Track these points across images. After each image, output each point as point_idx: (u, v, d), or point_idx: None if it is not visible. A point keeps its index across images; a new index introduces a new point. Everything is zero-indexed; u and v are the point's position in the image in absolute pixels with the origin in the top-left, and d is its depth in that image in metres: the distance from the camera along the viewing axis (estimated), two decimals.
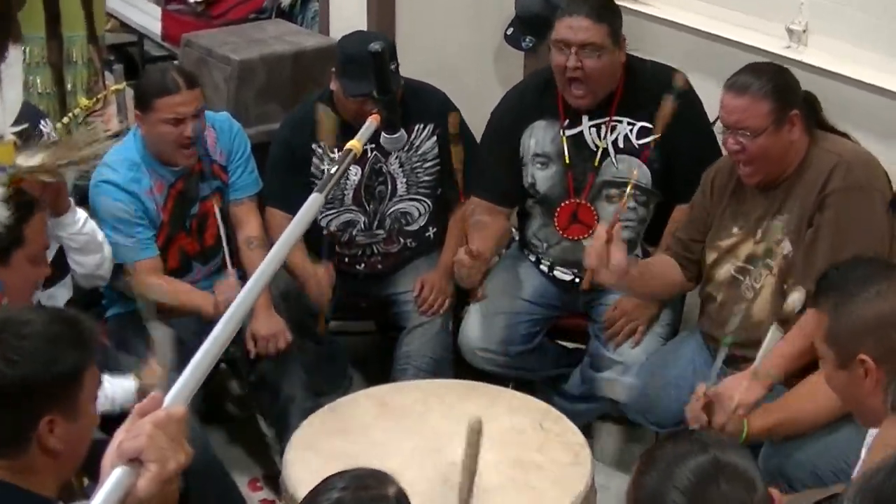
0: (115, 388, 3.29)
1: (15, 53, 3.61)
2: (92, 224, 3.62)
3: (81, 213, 3.57)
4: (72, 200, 3.52)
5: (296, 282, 4.07)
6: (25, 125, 3.44)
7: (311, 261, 4.08)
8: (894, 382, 2.31)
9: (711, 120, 3.65)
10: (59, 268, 3.64)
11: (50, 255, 3.42)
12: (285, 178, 4.14)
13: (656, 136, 3.80)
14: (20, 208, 3.05)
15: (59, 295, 3.78)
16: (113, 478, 1.58)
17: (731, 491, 1.95)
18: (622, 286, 3.66)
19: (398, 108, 2.65)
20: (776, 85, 3.34)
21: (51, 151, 3.21)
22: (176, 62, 5.16)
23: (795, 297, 3.21)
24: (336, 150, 4.08)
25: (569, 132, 3.97)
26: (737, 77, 3.38)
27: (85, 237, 3.57)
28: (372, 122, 2.55)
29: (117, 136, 4.29)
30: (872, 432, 2.61)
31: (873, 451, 2.50)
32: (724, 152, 3.55)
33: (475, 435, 2.79)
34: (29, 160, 3.15)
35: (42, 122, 3.79)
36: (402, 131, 2.71)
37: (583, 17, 3.77)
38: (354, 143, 2.37)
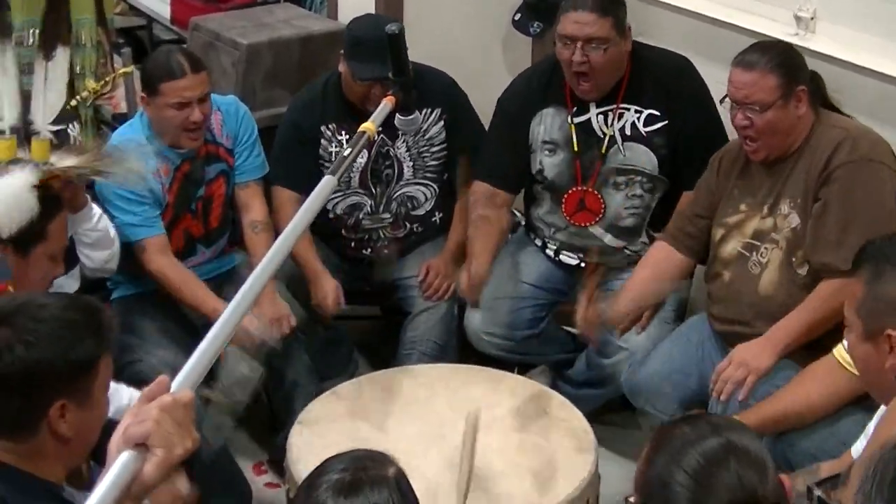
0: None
1: (62, 53, 3.64)
2: (106, 220, 3.63)
3: (97, 210, 3.59)
4: (88, 197, 3.54)
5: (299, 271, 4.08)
6: (63, 126, 3.46)
7: (318, 251, 4.11)
8: None
9: (718, 101, 3.64)
10: (68, 259, 3.66)
11: None
12: (293, 158, 4.15)
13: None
14: (47, 204, 3.08)
15: (68, 286, 3.79)
16: (119, 463, 1.58)
17: (743, 475, 1.95)
18: (634, 308, 3.80)
19: (413, 89, 2.65)
20: (783, 60, 3.38)
21: (84, 157, 3.25)
22: (184, 45, 5.15)
23: None
24: (342, 131, 4.08)
25: (577, 119, 3.97)
26: (744, 54, 3.42)
27: (99, 233, 3.60)
28: (387, 104, 2.56)
29: (124, 117, 4.31)
30: (880, 412, 2.61)
31: (887, 424, 2.49)
32: (731, 137, 3.56)
33: (472, 427, 2.80)
34: (62, 160, 3.21)
35: (71, 124, 3.82)
36: (417, 113, 2.73)
37: (587, 11, 3.76)
38: (368, 126, 2.37)
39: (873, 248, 2.68)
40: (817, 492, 2.47)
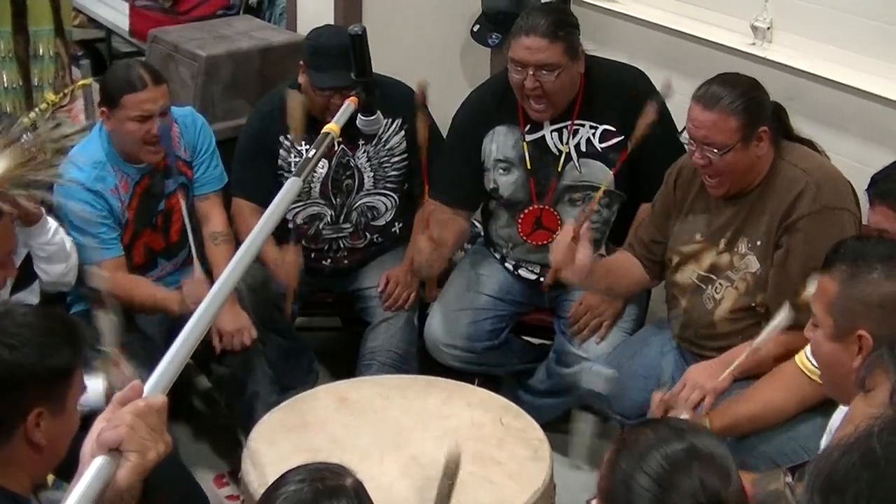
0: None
1: None
2: (62, 233, 3.61)
3: (52, 223, 3.56)
4: (43, 210, 3.50)
5: (263, 272, 4.06)
6: None
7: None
8: (866, 361, 2.29)
9: (684, 123, 3.61)
10: (27, 274, 3.63)
11: (18, 260, 3.41)
12: (253, 168, 4.14)
13: (633, 142, 3.71)
14: None
15: (28, 300, 3.76)
16: (93, 467, 1.59)
17: (705, 480, 1.94)
18: (586, 284, 3.67)
19: (375, 90, 2.64)
20: (746, 101, 3.28)
21: (13, 155, 3.19)
22: (143, 58, 5.15)
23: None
24: (304, 142, 4.08)
25: (529, 137, 3.96)
26: (707, 87, 3.32)
27: (54, 247, 3.57)
28: (349, 105, 2.56)
29: (83, 130, 4.29)
30: (837, 416, 2.62)
31: (841, 429, 2.50)
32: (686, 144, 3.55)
33: (453, 467, 2.76)
34: None
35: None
36: (379, 114, 2.72)
37: (538, 36, 3.72)
38: (332, 126, 2.38)
39: (848, 247, 2.68)
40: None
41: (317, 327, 4.82)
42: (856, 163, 3.51)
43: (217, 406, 4.38)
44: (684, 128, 3.41)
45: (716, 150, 3.27)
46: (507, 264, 4.16)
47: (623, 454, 2.04)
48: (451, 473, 2.71)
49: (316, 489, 2.14)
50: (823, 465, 1.40)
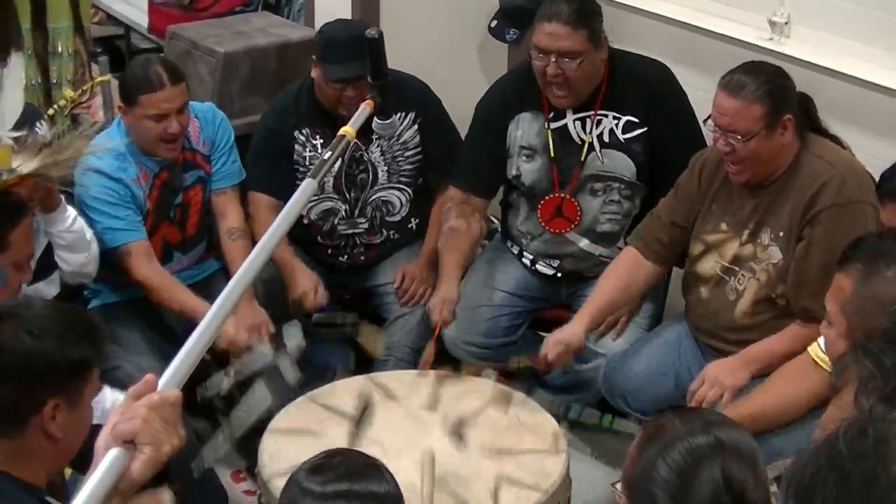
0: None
1: (16, 60, 3.62)
2: (81, 222, 3.61)
3: (71, 211, 3.57)
4: (62, 197, 3.52)
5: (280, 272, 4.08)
6: (24, 131, 3.43)
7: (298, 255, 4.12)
8: (837, 364, 2.26)
9: (702, 118, 3.61)
10: (47, 264, 3.64)
11: (38, 251, 3.42)
12: (269, 164, 4.15)
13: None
14: (8, 212, 3.05)
15: (47, 292, 3.79)
16: (107, 460, 1.60)
17: (729, 473, 1.95)
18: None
19: (391, 93, 2.65)
20: (771, 88, 3.29)
21: (45, 154, 3.22)
22: (161, 54, 5.15)
23: None
24: (317, 135, 4.08)
25: (553, 125, 3.97)
26: (732, 75, 3.33)
27: (73, 235, 3.58)
28: (366, 108, 2.57)
29: (102, 128, 4.31)
30: None
31: (815, 434, 2.48)
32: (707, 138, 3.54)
33: (429, 466, 2.80)
34: (26, 164, 3.16)
35: (38, 123, 3.79)
36: (395, 117, 2.73)
37: (561, 23, 3.74)
38: (348, 129, 2.39)
39: (866, 244, 2.66)
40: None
41: (334, 323, 4.81)
42: (875, 158, 3.49)
43: (235, 402, 4.39)
44: (707, 117, 3.40)
45: (739, 137, 3.28)
46: (524, 259, 4.16)
47: (649, 441, 2.05)
48: (429, 473, 2.76)
49: (349, 461, 2.27)
50: (795, 470, 1.41)
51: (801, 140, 3.38)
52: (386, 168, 4.18)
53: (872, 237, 2.74)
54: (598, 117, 3.92)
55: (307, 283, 4.04)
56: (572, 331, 3.64)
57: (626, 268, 3.75)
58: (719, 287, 3.53)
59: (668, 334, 3.77)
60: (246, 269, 1.94)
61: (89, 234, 3.65)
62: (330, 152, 2.33)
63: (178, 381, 1.70)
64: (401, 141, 4.17)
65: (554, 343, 3.63)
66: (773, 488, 2.15)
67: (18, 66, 3.62)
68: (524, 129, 4.02)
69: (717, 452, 1.97)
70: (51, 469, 2.36)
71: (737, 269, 3.48)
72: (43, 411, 2.24)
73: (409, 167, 4.21)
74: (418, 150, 4.19)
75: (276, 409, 3.27)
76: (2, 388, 2.24)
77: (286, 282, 4.07)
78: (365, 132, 3.87)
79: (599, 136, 3.93)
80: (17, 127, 3.43)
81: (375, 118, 2.64)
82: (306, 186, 2.19)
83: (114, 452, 1.60)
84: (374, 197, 4.20)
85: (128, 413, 1.63)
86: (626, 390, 3.70)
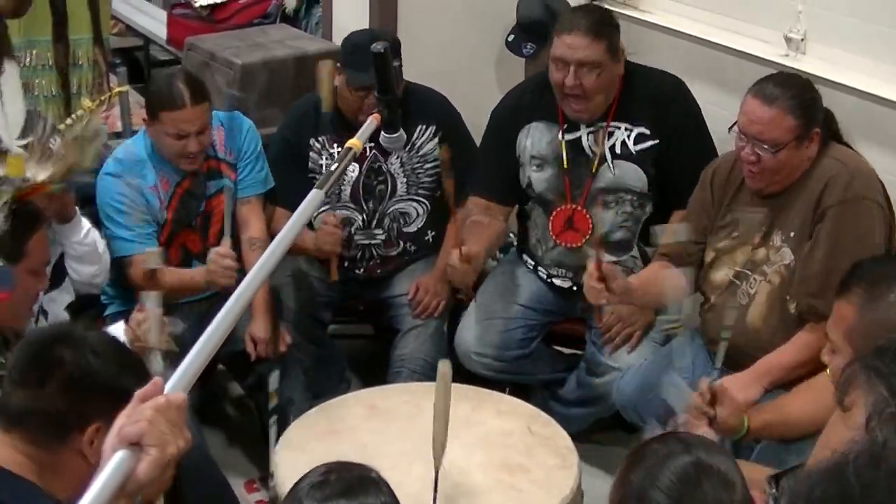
0: None
1: (10, 68, 3.64)
2: (95, 235, 3.63)
3: (86, 223, 3.59)
4: (77, 210, 3.54)
5: (300, 278, 4.09)
6: (31, 138, 3.45)
7: (313, 270, 4.18)
8: (841, 376, 2.23)
9: (716, 134, 3.58)
10: (61, 272, 3.66)
11: (53, 258, 3.44)
12: (285, 176, 4.16)
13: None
14: (24, 221, 3.06)
15: (61, 299, 3.79)
16: (114, 461, 1.61)
17: (711, 491, 1.96)
18: (630, 300, 3.65)
19: (398, 108, 2.66)
20: (804, 101, 3.27)
21: (58, 165, 3.24)
22: (180, 66, 5.18)
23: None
24: (334, 143, 4.10)
25: (568, 136, 3.97)
26: (764, 85, 3.30)
27: (86, 248, 3.60)
28: (372, 122, 2.58)
29: (119, 135, 4.33)
30: None
31: (816, 451, 2.46)
32: (720, 153, 3.53)
33: (445, 380, 2.78)
34: (39, 173, 3.18)
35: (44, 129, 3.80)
36: (402, 132, 2.72)
37: (581, 34, 3.76)
38: (354, 142, 2.40)
39: (864, 269, 2.63)
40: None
41: (349, 335, 4.84)
42: (888, 174, 3.49)
43: (249, 412, 4.41)
44: (733, 124, 3.36)
45: (767, 147, 3.25)
46: (540, 272, 4.16)
47: (633, 469, 2.05)
48: (443, 389, 2.74)
49: (342, 477, 2.25)
50: (800, 489, 1.40)
51: (820, 150, 3.36)
52: (405, 180, 4.19)
53: (868, 262, 2.72)
54: (611, 129, 3.93)
55: (260, 332, 3.94)
56: None
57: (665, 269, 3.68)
58: (729, 292, 3.51)
59: (683, 349, 3.76)
60: (251, 279, 1.95)
61: (101, 246, 3.67)
62: (336, 164, 2.35)
63: (185, 384, 1.71)
64: (420, 153, 4.18)
65: None
66: (771, 489, 2.16)
67: (14, 75, 3.63)
68: (535, 139, 4.03)
69: (700, 471, 1.98)
70: (71, 494, 2.36)
71: (748, 272, 3.47)
72: (86, 431, 2.26)
73: (428, 179, 4.22)
74: (437, 162, 4.19)
75: None
76: (57, 397, 2.27)
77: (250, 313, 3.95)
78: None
79: (611, 148, 3.93)
80: (22, 135, 3.44)
81: (382, 132, 2.65)
82: (313, 197, 2.19)
83: (120, 454, 1.62)
84: (392, 208, 4.21)
85: (134, 415, 1.65)
86: (639, 404, 3.70)
